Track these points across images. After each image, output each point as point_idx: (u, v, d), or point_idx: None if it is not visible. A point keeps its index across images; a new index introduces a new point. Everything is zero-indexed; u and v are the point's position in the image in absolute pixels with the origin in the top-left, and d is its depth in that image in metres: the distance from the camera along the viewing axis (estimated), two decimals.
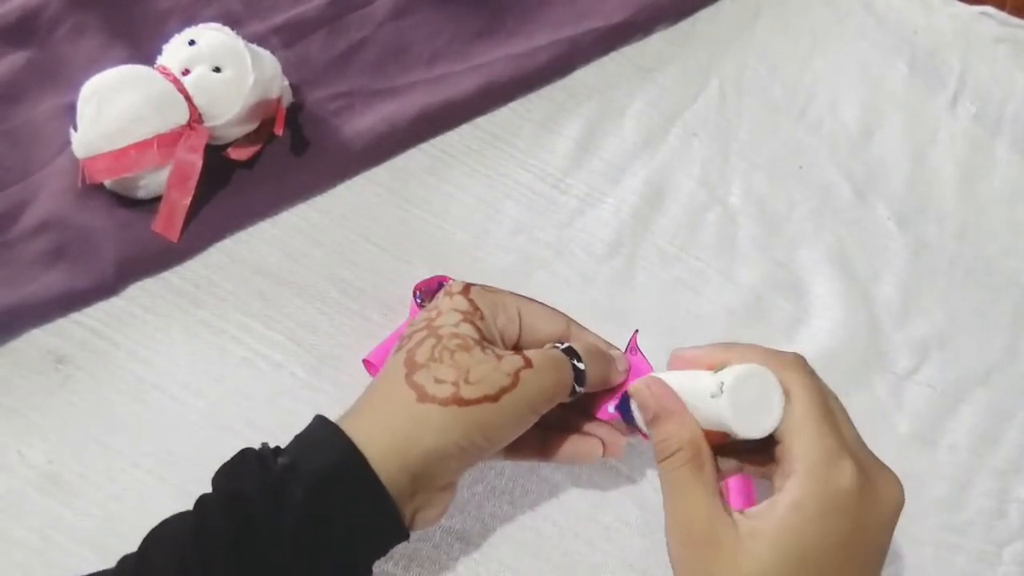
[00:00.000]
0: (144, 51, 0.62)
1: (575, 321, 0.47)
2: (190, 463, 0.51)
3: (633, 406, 0.44)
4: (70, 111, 0.56)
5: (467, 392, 0.40)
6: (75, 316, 0.54)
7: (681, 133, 0.67)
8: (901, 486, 0.39)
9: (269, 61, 0.60)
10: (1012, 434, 0.57)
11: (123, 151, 0.55)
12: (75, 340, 0.54)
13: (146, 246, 0.56)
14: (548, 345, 0.45)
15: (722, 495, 0.40)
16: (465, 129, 0.65)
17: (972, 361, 0.60)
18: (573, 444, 0.47)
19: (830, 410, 0.40)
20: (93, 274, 0.55)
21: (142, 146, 0.55)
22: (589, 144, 0.66)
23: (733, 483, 0.49)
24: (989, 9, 0.77)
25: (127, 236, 0.56)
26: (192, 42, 0.58)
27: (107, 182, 0.56)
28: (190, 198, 0.56)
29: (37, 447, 0.50)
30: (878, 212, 0.65)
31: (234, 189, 0.59)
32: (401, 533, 0.40)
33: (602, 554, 0.51)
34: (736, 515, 0.39)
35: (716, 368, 0.41)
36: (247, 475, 0.40)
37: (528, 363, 0.42)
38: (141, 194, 0.57)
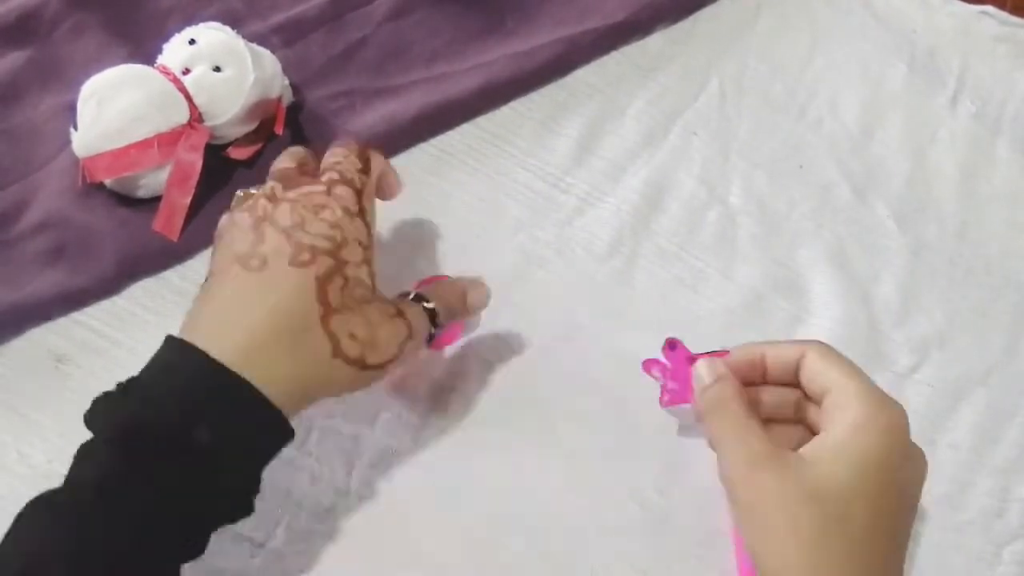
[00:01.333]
0: (144, 50, 0.62)
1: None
2: None
3: None
4: (70, 110, 0.56)
5: (371, 358, 0.44)
6: (75, 315, 0.54)
7: (681, 132, 0.67)
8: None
9: (269, 60, 0.60)
10: (1012, 433, 0.57)
11: (123, 150, 0.55)
12: (75, 339, 0.54)
13: (146, 245, 0.56)
14: (401, 293, 0.50)
15: None
16: (465, 128, 0.65)
17: (972, 360, 0.60)
18: None
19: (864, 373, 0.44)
20: (93, 273, 0.55)
21: (142, 145, 0.55)
22: (589, 143, 0.66)
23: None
24: (989, 8, 0.77)
25: (127, 235, 0.56)
26: (192, 41, 0.58)
27: (107, 181, 0.56)
28: (190, 197, 0.56)
29: (37, 447, 0.50)
30: (878, 211, 0.65)
31: (234, 188, 0.59)
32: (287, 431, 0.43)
33: (602, 554, 0.51)
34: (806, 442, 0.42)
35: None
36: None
37: (410, 332, 0.46)
38: (141, 193, 0.57)
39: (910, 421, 0.56)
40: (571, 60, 0.68)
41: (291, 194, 0.46)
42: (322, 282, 0.43)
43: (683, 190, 0.64)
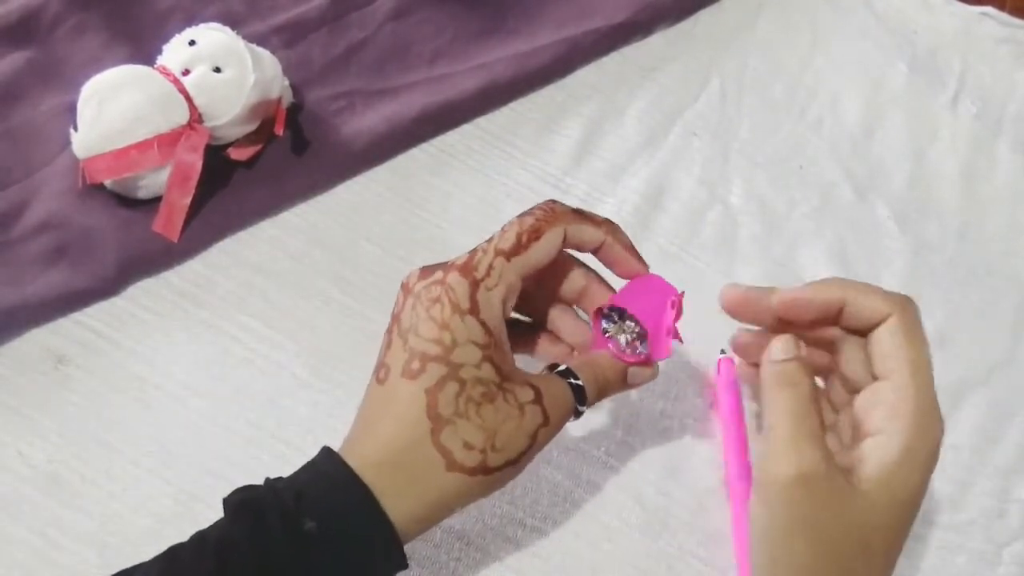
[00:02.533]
0: (144, 51, 0.62)
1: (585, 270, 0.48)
2: (190, 463, 0.51)
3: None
4: (71, 111, 0.56)
5: (493, 460, 0.40)
6: (75, 316, 0.54)
7: (682, 132, 0.67)
8: None
9: (269, 61, 0.60)
10: (1013, 434, 0.57)
11: (123, 151, 0.55)
12: (75, 340, 0.54)
13: (146, 246, 0.56)
14: (546, 369, 0.45)
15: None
16: (466, 129, 0.65)
17: (973, 360, 0.60)
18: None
19: (930, 361, 0.41)
20: (93, 274, 0.55)
21: (142, 146, 0.55)
22: (590, 144, 0.66)
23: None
24: (989, 9, 0.77)
25: (127, 236, 0.56)
26: (192, 42, 0.58)
27: (107, 182, 0.56)
28: (190, 198, 0.56)
29: (37, 447, 0.50)
30: (878, 211, 0.65)
31: (234, 189, 0.59)
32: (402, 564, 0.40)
33: (602, 554, 0.51)
34: (852, 467, 0.40)
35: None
36: (269, 529, 0.38)
37: (545, 419, 0.41)
38: (141, 194, 0.57)
39: None
40: (572, 60, 0.68)
41: (419, 286, 0.43)
42: (432, 393, 0.39)
43: (683, 190, 0.64)
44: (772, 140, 0.68)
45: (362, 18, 0.68)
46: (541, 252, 0.44)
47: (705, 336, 0.58)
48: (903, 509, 0.39)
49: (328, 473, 0.39)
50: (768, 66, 0.72)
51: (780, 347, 0.42)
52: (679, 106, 0.69)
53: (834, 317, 0.43)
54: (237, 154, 0.60)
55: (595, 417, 0.55)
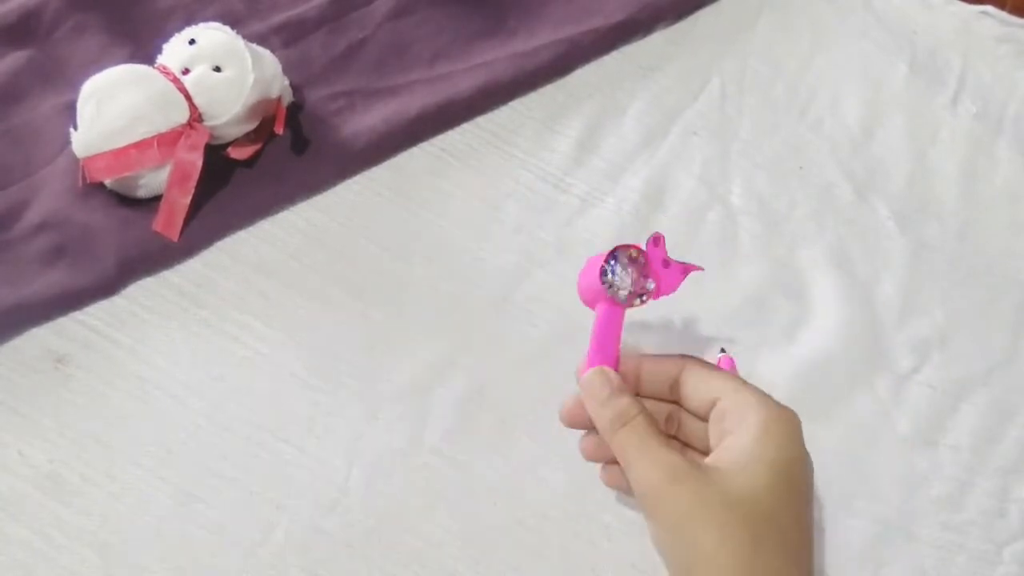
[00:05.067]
0: (144, 50, 0.62)
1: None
2: (190, 463, 0.51)
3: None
4: (71, 110, 0.56)
5: None
6: (75, 315, 0.54)
7: (682, 132, 0.67)
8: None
9: (269, 60, 0.60)
10: (1013, 434, 0.57)
11: (123, 150, 0.55)
12: (75, 339, 0.54)
13: (146, 245, 0.56)
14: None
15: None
16: (466, 128, 0.65)
17: (973, 361, 0.60)
18: None
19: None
20: (93, 273, 0.55)
21: (142, 145, 0.55)
22: (590, 143, 0.66)
23: None
24: (989, 8, 0.77)
25: (127, 235, 0.56)
26: (192, 41, 0.58)
27: (107, 181, 0.56)
28: (190, 197, 0.56)
29: (37, 447, 0.50)
30: (879, 212, 0.65)
31: (234, 188, 0.59)
32: None
33: (602, 554, 0.51)
34: (713, 451, 0.42)
35: None
36: None
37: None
38: (141, 193, 0.57)
39: (911, 421, 0.57)
40: (572, 60, 0.68)
41: None
42: None
43: (683, 190, 0.64)
44: (772, 140, 0.68)
45: (362, 18, 0.68)
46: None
47: (706, 336, 0.58)
48: (782, 475, 0.40)
49: None
50: (768, 66, 0.72)
51: (598, 383, 0.43)
52: (679, 106, 0.69)
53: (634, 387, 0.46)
54: (237, 153, 0.60)
55: None
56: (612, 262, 0.44)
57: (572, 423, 0.46)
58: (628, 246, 0.44)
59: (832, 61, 0.73)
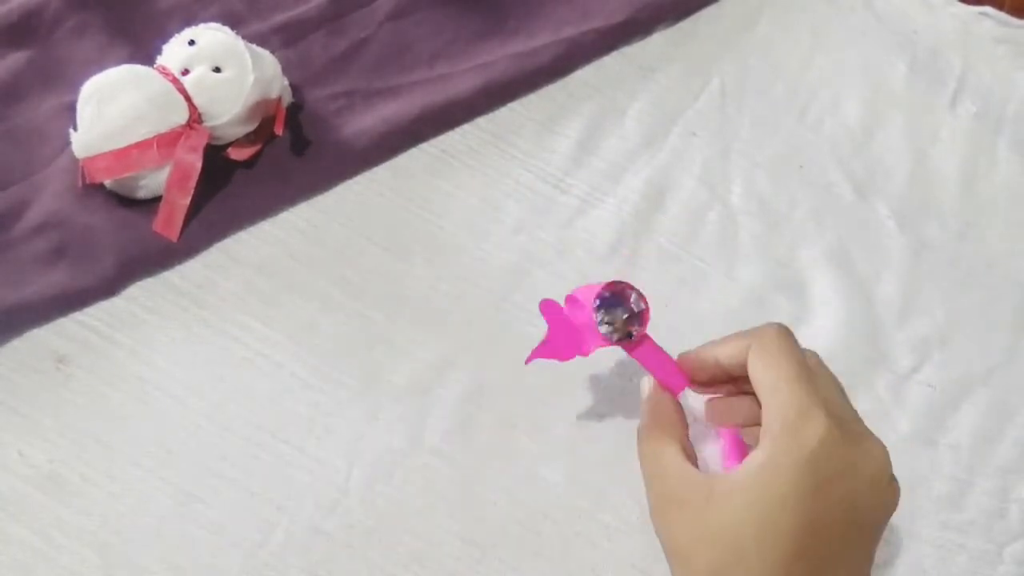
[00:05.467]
0: (144, 51, 0.62)
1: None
2: (190, 463, 0.51)
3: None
4: (70, 111, 0.56)
5: None
6: (76, 316, 0.54)
7: (682, 132, 0.67)
8: (886, 452, 0.40)
9: (269, 61, 0.60)
10: (1013, 433, 0.57)
11: (123, 151, 0.55)
12: (76, 340, 0.54)
13: (146, 246, 0.56)
14: None
15: (690, 457, 0.42)
16: (466, 129, 0.65)
17: (973, 360, 0.60)
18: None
19: (807, 369, 0.41)
20: (93, 274, 0.55)
21: (142, 146, 0.55)
22: (590, 144, 0.66)
23: (729, 446, 0.49)
24: (988, 9, 0.77)
25: (127, 236, 0.56)
26: (192, 42, 0.58)
27: (107, 182, 0.56)
28: (190, 198, 0.56)
29: (37, 447, 0.50)
30: (879, 211, 0.65)
31: (234, 189, 0.59)
32: None
33: (602, 554, 0.51)
34: (717, 476, 0.40)
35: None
36: None
37: None
38: (141, 194, 0.57)
39: (911, 421, 0.57)
40: (572, 60, 0.68)
41: None
42: None
43: (684, 190, 0.64)
44: (772, 140, 0.68)
45: (362, 18, 0.68)
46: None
47: (706, 336, 0.58)
48: (773, 514, 0.38)
49: None
50: (768, 66, 0.72)
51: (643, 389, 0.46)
52: (679, 106, 0.69)
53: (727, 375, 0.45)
54: (237, 154, 0.60)
55: (595, 416, 0.55)
56: (597, 317, 0.45)
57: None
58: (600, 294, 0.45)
59: (832, 61, 0.73)
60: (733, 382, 0.45)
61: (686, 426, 0.44)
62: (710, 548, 0.38)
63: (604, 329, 0.45)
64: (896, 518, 0.53)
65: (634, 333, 0.45)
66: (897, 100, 0.71)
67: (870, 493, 0.40)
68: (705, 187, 0.65)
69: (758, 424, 0.42)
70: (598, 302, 0.45)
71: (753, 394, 0.42)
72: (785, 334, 0.42)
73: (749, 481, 0.38)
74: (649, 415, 0.44)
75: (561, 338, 0.46)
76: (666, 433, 0.43)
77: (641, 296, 0.46)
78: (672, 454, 0.41)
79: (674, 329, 0.58)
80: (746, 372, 0.42)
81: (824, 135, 0.69)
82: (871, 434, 0.41)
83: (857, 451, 0.39)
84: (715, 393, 0.46)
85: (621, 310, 0.45)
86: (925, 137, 0.69)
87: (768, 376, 0.40)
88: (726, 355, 0.43)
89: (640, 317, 0.45)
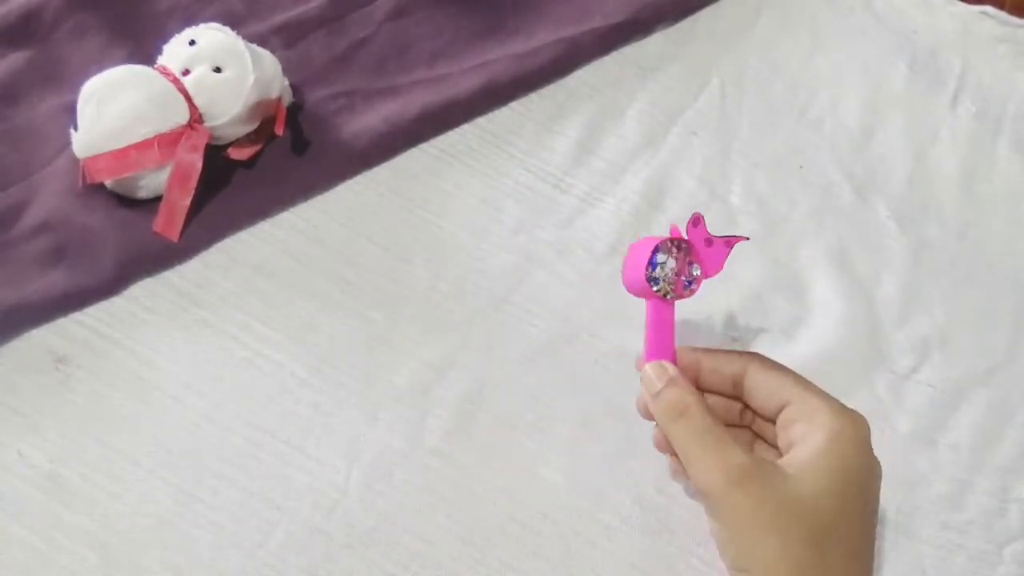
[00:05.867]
0: (144, 51, 0.62)
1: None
2: (190, 463, 0.51)
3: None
4: (71, 111, 0.56)
5: None
6: (75, 316, 0.54)
7: (682, 132, 0.67)
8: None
9: (269, 61, 0.60)
10: (1013, 433, 0.57)
11: (123, 151, 0.55)
12: (76, 340, 0.54)
13: (147, 246, 0.56)
14: None
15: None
16: (466, 129, 0.65)
17: (973, 360, 0.60)
18: None
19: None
20: (94, 274, 0.55)
21: (142, 146, 0.55)
22: (590, 143, 0.66)
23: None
24: (989, 9, 0.77)
25: (128, 236, 0.56)
26: (192, 42, 0.58)
27: (107, 182, 0.56)
28: (190, 198, 0.56)
29: (37, 447, 0.50)
30: (879, 211, 0.65)
31: (234, 189, 0.59)
32: None
33: (602, 554, 0.51)
34: (781, 460, 0.41)
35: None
36: None
37: None
38: (142, 194, 0.57)
39: (911, 420, 0.57)
40: (572, 60, 0.68)
41: None
42: None
43: (683, 190, 0.64)
44: (772, 140, 0.68)
45: (362, 18, 0.68)
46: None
47: (706, 336, 0.58)
48: (850, 484, 0.40)
49: None
50: (768, 66, 0.72)
51: (654, 374, 0.44)
52: (679, 106, 0.69)
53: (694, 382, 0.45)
54: (237, 154, 0.60)
55: (595, 416, 0.55)
56: (654, 259, 0.44)
57: (645, 415, 0.46)
58: (670, 238, 0.45)
59: (832, 61, 0.73)
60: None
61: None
62: (805, 520, 0.39)
63: (649, 272, 0.44)
64: (896, 518, 0.53)
65: (669, 293, 0.45)
66: (897, 100, 0.71)
67: (879, 488, 0.42)
68: (705, 187, 0.65)
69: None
70: (656, 246, 0.44)
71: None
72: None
73: (826, 453, 0.40)
74: (679, 395, 0.43)
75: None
76: (707, 407, 0.42)
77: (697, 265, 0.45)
78: (720, 423, 0.42)
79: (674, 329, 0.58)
80: (725, 387, 0.45)
81: (824, 135, 0.69)
82: None
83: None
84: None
85: (673, 264, 0.45)
86: (925, 137, 0.69)
87: (795, 380, 0.43)
88: (717, 366, 0.45)
89: (687, 283, 0.45)
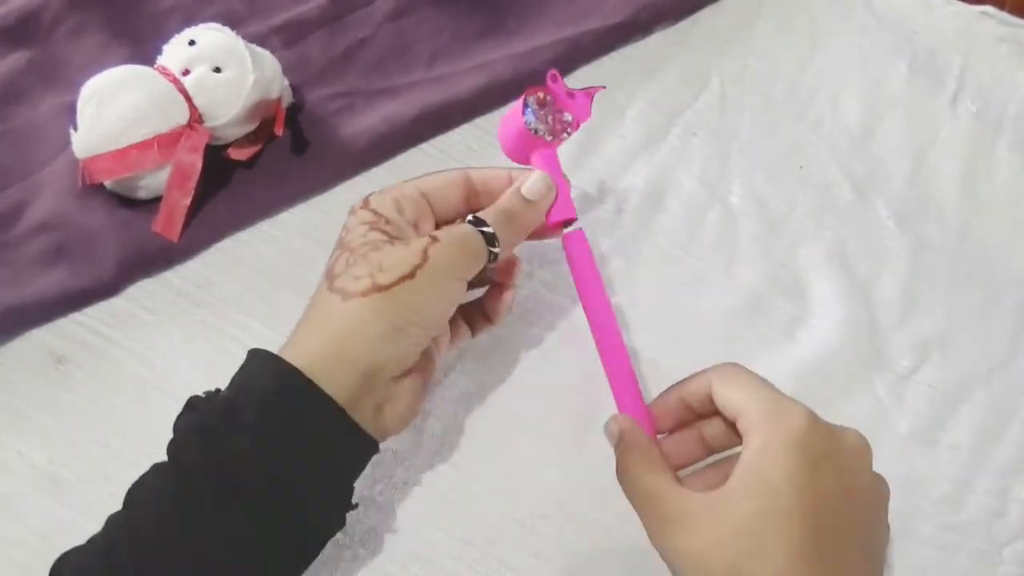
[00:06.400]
0: (144, 51, 0.62)
1: (474, 170, 0.50)
2: None
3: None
4: (70, 111, 0.56)
5: (383, 278, 0.42)
6: (75, 316, 0.54)
7: (681, 132, 0.67)
8: (864, 437, 0.42)
9: (269, 61, 0.60)
10: (1013, 433, 0.57)
11: (123, 151, 0.55)
12: (75, 340, 0.54)
13: (146, 246, 0.56)
14: (459, 220, 0.47)
15: (677, 478, 0.43)
16: (465, 129, 0.65)
17: (973, 361, 0.60)
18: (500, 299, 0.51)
19: (769, 383, 0.42)
20: (93, 274, 0.55)
21: (142, 146, 0.55)
22: (590, 144, 0.66)
23: None
24: (989, 9, 0.77)
25: (127, 236, 0.56)
26: (192, 42, 0.58)
27: (107, 182, 0.56)
28: (190, 198, 0.56)
29: (37, 447, 0.50)
30: (879, 211, 0.65)
31: (234, 189, 0.59)
32: (363, 438, 0.42)
33: (602, 554, 0.51)
34: (711, 489, 0.40)
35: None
36: (200, 413, 0.42)
37: (434, 239, 0.44)
38: (141, 194, 0.57)
39: (911, 421, 0.57)
40: (571, 60, 0.68)
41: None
42: (328, 265, 0.45)
43: (683, 190, 0.64)
44: (772, 140, 0.68)
45: (361, 18, 0.68)
46: (438, 179, 0.49)
47: (705, 336, 0.58)
48: (780, 495, 0.38)
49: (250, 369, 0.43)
50: (768, 66, 0.72)
51: (611, 430, 0.47)
52: (679, 106, 0.69)
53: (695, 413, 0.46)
54: (237, 154, 0.60)
55: (595, 416, 0.55)
56: (527, 109, 0.49)
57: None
58: (533, 89, 0.50)
59: (832, 61, 0.73)
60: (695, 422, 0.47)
61: (662, 453, 0.45)
62: (724, 550, 0.38)
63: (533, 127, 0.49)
64: (895, 518, 0.53)
65: (549, 135, 0.50)
66: (897, 100, 0.71)
67: (859, 473, 0.41)
68: (705, 187, 0.65)
69: (715, 451, 0.46)
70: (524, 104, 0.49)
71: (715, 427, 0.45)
72: (743, 367, 0.44)
73: (746, 476, 0.39)
74: (627, 452, 0.44)
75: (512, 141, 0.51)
76: (650, 463, 0.43)
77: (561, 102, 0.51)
78: (662, 481, 0.42)
79: (674, 329, 0.58)
80: (709, 407, 0.44)
81: (824, 135, 0.69)
82: (844, 427, 0.42)
83: (838, 434, 0.41)
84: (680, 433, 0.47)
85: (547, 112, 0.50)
86: (925, 137, 0.69)
87: (737, 390, 0.42)
88: (689, 392, 0.45)
89: (563, 129, 0.51)
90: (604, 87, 0.53)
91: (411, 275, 0.42)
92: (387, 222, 0.45)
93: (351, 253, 0.44)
